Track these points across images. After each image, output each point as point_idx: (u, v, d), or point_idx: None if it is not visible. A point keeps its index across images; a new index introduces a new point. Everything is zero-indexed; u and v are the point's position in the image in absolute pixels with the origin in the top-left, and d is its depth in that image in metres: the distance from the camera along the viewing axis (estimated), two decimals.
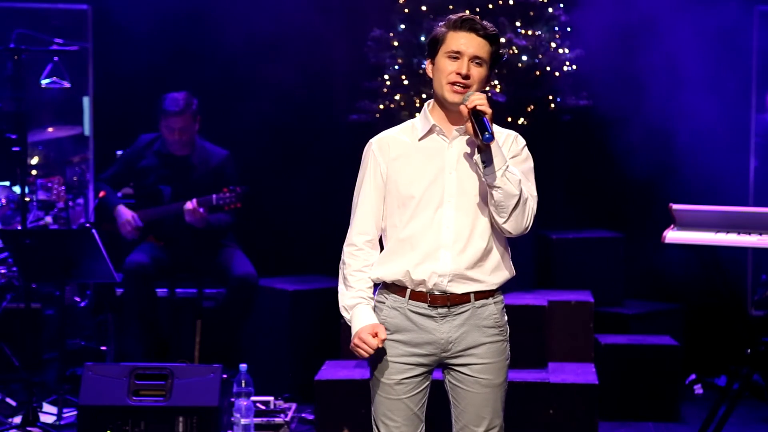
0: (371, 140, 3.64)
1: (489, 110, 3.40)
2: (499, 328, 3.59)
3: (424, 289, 3.53)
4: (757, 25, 7.19)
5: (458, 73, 3.47)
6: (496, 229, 3.54)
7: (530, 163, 3.60)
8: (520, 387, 5.51)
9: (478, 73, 3.49)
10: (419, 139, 3.57)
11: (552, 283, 6.61)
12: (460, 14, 3.56)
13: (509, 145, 3.56)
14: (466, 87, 3.48)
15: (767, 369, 6.45)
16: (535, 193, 3.55)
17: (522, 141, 3.60)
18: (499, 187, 3.42)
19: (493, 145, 3.41)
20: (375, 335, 3.50)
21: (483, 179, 3.45)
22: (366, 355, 3.53)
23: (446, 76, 3.49)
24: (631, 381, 6.21)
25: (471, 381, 3.57)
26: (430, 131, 3.56)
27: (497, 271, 3.58)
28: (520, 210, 3.46)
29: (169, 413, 5.49)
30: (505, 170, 3.42)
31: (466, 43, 3.49)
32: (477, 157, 3.43)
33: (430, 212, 3.52)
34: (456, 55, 3.49)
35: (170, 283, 6.62)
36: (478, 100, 3.41)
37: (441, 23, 3.57)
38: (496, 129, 3.56)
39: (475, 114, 3.41)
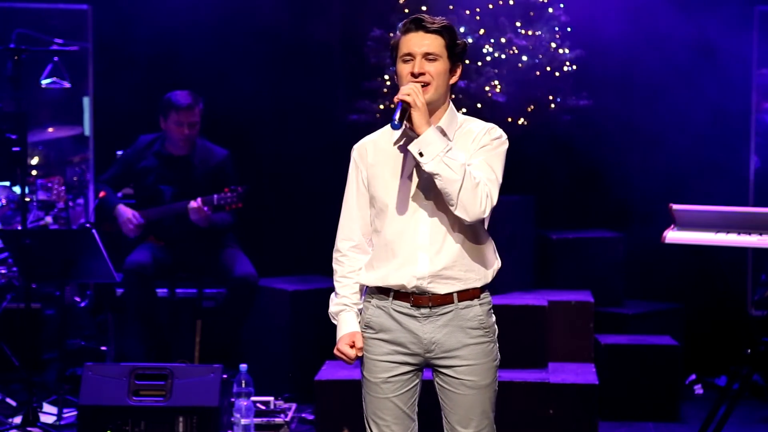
0: (354, 146, 3.68)
1: (411, 99, 3.41)
2: (484, 329, 3.59)
3: (406, 291, 3.55)
4: (757, 25, 7.19)
5: (411, 73, 3.48)
6: (474, 224, 3.53)
7: (501, 149, 3.56)
8: (520, 387, 5.52)
9: (434, 68, 3.49)
10: (394, 143, 3.59)
11: (552, 283, 6.60)
12: (411, 16, 3.56)
13: (480, 137, 3.55)
14: (427, 84, 3.48)
15: (767, 369, 6.45)
16: (494, 177, 3.51)
17: (496, 132, 3.58)
18: (437, 174, 3.41)
19: (426, 133, 3.41)
20: (352, 345, 3.60)
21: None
22: (348, 363, 3.63)
23: (404, 80, 3.50)
24: (631, 381, 6.21)
25: (456, 383, 3.57)
26: (403, 134, 3.57)
27: (479, 267, 3.57)
28: (468, 194, 3.42)
29: (169, 413, 5.50)
30: (444, 156, 3.40)
31: (416, 42, 3.50)
32: (411, 146, 3.44)
33: (407, 216, 3.54)
34: (409, 58, 3.50)
35: (170, 283, 6.62)
36: (404, 90, 3.44)
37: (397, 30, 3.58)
38: (476, 124, 3.58)
39: (399, 103, 3.43)
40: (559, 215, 7.15)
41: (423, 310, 3.55)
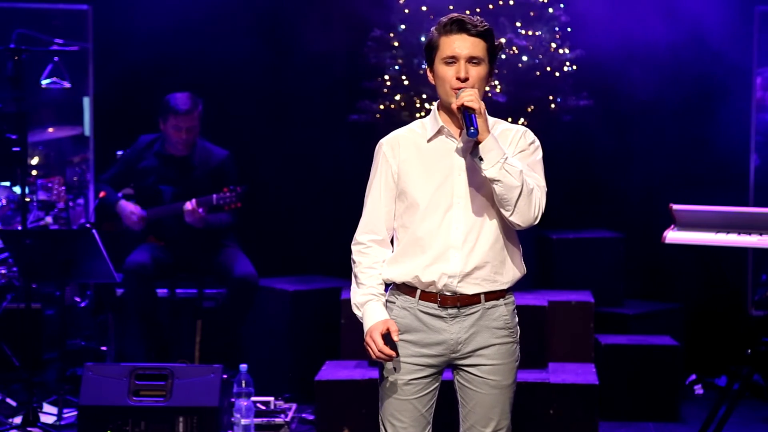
0: (382, 140, 3.63)
1: (476, 105, 3.39)
2: (509, 329, 3.60)
3: (434, 290, 3.53)
4: (757, 25, 7.19)
5: (458, 78, 3.46)
6: (506, 228, 3.54)
7: (538, 156, 3.58)
8: (520, 387, 5.43)
9: (476, 72, 3.48)
10: (428, 140, 3.56)
11: (552, 283, 6.60)
12: (451, 15, 3.52)
13: (517, 141, 3.55)
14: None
15: (767, 369, 6.45)
16: (542, 184, 3.54)
17: (531, 136, 3.58)
18: (498, 180, 3.40)
19: (488, 139, 3.40)
20: (386, 331, 3.49)
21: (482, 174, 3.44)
22: (374, 356, 3.52)
23: (448, 82, 3.48)
24: (631, 381, 6.21)
25: (480, 382, 3.57)
26: (439, 132, 3.55)
27: (508, 270, 3.58)
28: (524, 201, 3.44)
29: (170, 413, 5.50)
30: (504, 162, 3.40)
31: (460, 45, 3.47)
32: (471, 150, 3.43)
33: (440, 214, 3.51)
34: (452, 60, 3.47)
35: (170, 283, 6.62)
36: (467, 96, 3.40)
37: (434, 27, 3.55)
38: (505, 125, 3.57)
39: (465, 110, 3.41)
40: (559, 215, 7.13)
41: (450, 311, 3.54)
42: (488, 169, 3.39)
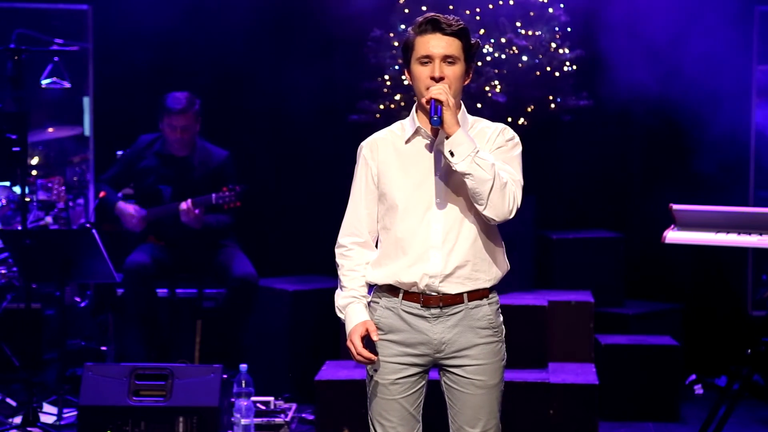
0: (362, 143, 3.65)
1: (444, 98, 3.39)
2: (493, 329, 3.59)
3: (416, 291, 3.54)
4: (757, 25, 7.19)
5: (432, 77, 3.47)
6: (486, 225, 3.54)
7: (515, 152, 3.56)
8: (520, 387, 5.51)
9: (452, 71, 3.48)
10: (406, 142, 3.57)
11: (552, 283, 6.61)
12: (426, 15, 3.53)
13: (495, 138, 3.55)
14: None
15: (767, 369, 6.45)
16: (518, 178, 3.52)
17: (510, 133, 3.58)
18: (469, 174, 3.40)
19: (457, 133, 3.40)
20: (365, 333, 3.52)
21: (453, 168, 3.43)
22: (356, 359, 3.54)
23: (423, 82, 3.49)
24: (631, 381, 6.21)
25: (465, 382, 3.56)
26: (416, 133, 3.57)
27: (490, 268, 3.57)
28: (497, 194, 3.42)
29: (169, 413, 5.50)
30: (474, 156, 3.39)
31: (435, 44, 3.47)
32: (443, 146, 3.42)
33: (419, 214, 3.52)
34: (427, 60, 3.48)
35: (170, 283, 6.62)
36: (435, 90, 3.41)
37: (410, 28, 3.56)
38: (486, 123, 3.58)
39: (432, 101, 3.41)
40: (559, 215, 7.15)
41: (433, 311, 3.54)
42: (458, 163, 3.39)
